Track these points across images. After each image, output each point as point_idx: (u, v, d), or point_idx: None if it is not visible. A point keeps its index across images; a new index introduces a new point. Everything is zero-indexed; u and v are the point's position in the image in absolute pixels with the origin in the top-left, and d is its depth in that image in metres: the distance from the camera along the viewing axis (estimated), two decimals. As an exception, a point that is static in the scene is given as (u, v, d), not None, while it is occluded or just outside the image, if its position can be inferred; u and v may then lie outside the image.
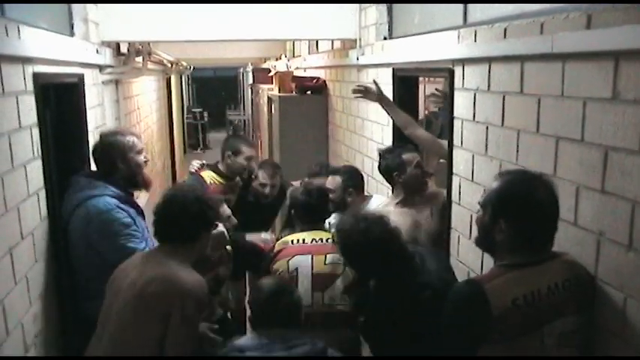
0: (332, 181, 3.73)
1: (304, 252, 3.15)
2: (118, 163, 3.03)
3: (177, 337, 2.34)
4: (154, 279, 2.38)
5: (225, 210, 3.18)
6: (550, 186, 2.00)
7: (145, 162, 3.18)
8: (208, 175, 4.25)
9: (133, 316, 2.38)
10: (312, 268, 3.10)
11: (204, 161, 4.47)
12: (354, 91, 3.74)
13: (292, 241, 3.22)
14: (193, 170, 4.33)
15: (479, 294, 1.89)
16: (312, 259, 3.12)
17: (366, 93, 3.73)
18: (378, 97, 3.69)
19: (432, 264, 2.60)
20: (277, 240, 3.40)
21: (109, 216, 2.89)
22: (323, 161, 5.11)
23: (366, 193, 4.03)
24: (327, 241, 3.17)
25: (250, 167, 4.29)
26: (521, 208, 1.96)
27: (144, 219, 3.18)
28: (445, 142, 3.42)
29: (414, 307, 2.40)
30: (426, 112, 5.26)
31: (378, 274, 2.58)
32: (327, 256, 3.10)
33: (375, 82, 3.71)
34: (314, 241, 3.20)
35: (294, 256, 3.14)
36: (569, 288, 1.96)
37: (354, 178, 3.78)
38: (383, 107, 3.76)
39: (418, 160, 3.42)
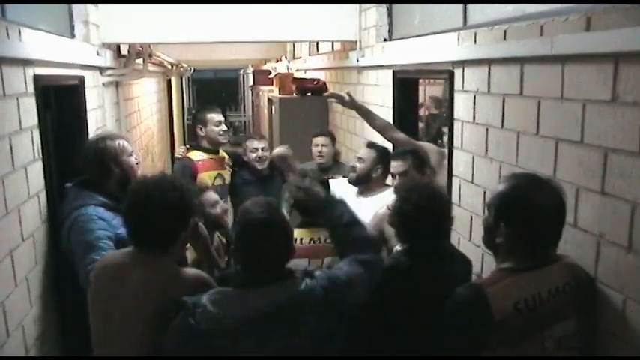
0: (366, 153, 3.65)
1: (301, 255, 3.13)
2: (112, 167, 2.96)
3: None
4: (158, 282, 2.23)
5: (211, 197, 3.14)
6: (557, 192, 1.98)
7: (137, 163, 3.11)
8: (195, 155, 4.31)
9: (145, 324, 2.20)
10: None
11: (187, 145, 4.55)
12: (328, 96, 3.73)
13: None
14: (180, 156, 4.40)
15: (480, 298, 1.89)
16: (308, 263, 3.10)
17: (340, 99, 3.75)
18: (352, 104, 3.71)
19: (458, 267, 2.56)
20: None
21: (86, 226, 2.74)
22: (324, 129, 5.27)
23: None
24: (325, 241, 3.15)
25: (223, 130, 4.41)
26: (521, 214, 1.95)
27: None
28: (427, 145, 3.52)
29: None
30: (427, 113, 5.25)
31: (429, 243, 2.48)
32: (325, 260, 3.09)
33: (348, 93, 3.72)
34: (312, 242, 3.18)
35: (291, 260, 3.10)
36: (569, 291, 1.95)
37: (385, 160, 3.68)
38: (359, 114, 3.78)
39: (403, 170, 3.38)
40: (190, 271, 2.37)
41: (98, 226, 2.74)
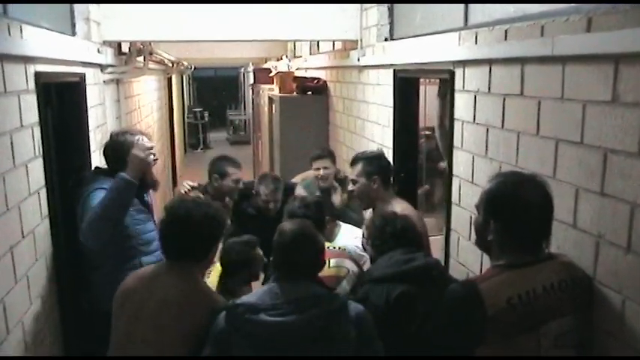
0: (354, 171, 3.43)
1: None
2: (127, 160, 3.03)
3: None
4: (187, 296, 2.40)
5: None
6: (543, 187, 2.01)
7: (155, 160, 3.18)
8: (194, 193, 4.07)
9: (171, 334, 2.36)
10: None
11: (194, 183, 4.20)
12: None
13: None
14: (183, 192, 4.12)
15: (473, 294, 1.90)
16: None
17: None
18: None
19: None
20: None
21: (94, 199, 2.93)
22: (324, 146, 5.22)
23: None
24: (332, 248, 3.18)
25: (238, 189, 4.18)
26: (509, 209, 1.97)
27: (150, 218, 3.25)
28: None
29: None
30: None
31: None
32: (331, 260, 3.10)
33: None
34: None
35: None
36: (565, 289, 1.96)
37: (377, 163, 3.42)
38: None
39: None
40: (217, 295, 2.55)
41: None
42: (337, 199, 4.38)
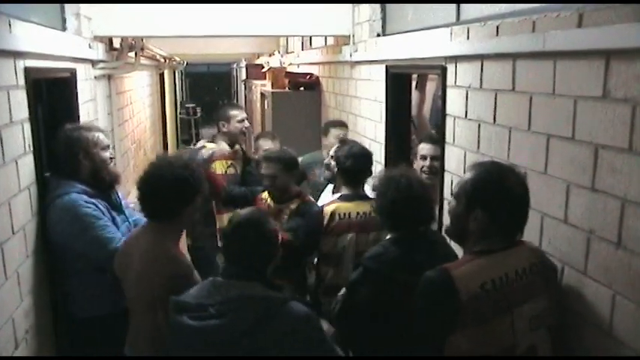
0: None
1: (350, 230, 3.27)
2: (80, 158, 2.96)
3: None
4: (148, 260, 2.49)
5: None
6: (521, 177, 2.08)
7: (111, 159, 3.10)
8: (209, 144, 4.47)
9: (145, 300, 2.49)
10: (357, 246, 3.24)
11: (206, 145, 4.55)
12: None
13: (339, 215, 3.28)
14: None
15: (446, 281, 1.93)
16: (355, 237, 3.26)
17: None
18: None
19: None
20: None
21: (77, 211, 2.84)
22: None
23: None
24: (370, 215, 3.25)
25: (246, 127, 4.60)
26: (496, 195, 2.02)
27: (122, 213, 3.14)
28: None
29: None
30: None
31: None
32: (371, 234, 3.25)
33: None
34: (359, 216, 3.29)
35: (340, 235, 3.28)
36: (536, 272, 2.02)
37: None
38: None
39: None
40: (178, 262, 2.54)
41: (90, 209, 2.87)
42: None
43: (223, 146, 4.46)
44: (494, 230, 2.03)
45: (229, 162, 4.48)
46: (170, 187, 2.50)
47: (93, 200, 2.91)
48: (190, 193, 2.58)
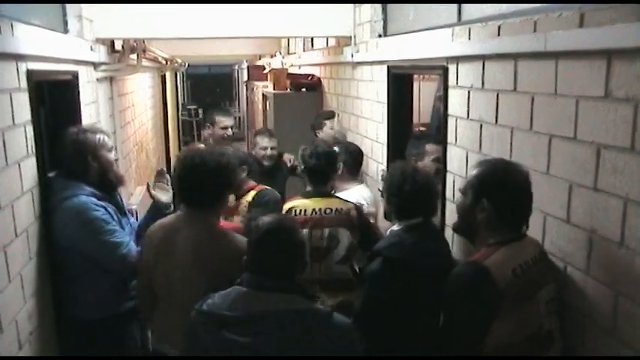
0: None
1: (304, 226, 3.29)
2: (89, 160, 2.99)
3: None
4: (209, 241, 2.56)
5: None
6: (525, 173, 2.17)
7: (116, 160, 3.15)
8: None
9: (200, 279, 2.50)
10: (310, 241, 3.29)
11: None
12: None
13: (296, 212, 3.37)
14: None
15: (483, 272, 2.00)
16: (310, 233, 3.30)
17: None
18: None
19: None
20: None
21: (87, 215, 2.86)
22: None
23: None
24: (327, 211, 3.34)
25: (228, 135, 4.73)
26: (502, 186, 2.12)
27: (125, 216, 3.16)
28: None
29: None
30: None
31: None
32: (324, 230, 3.32)
33: None
34: (314, 212, 3.35)
35: None
36: (542, 260, 2.17)
37: (348, 155, 3.91)
38: None
39: None
40: (238, 236, 2.64)
41: (100, 213, 2.89)
42: None
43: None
44: (503, 220, 2.11)
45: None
46: (212, 175, 2.60)
47: (102, 203, 2.94)
48: (227, 181, 2.70)
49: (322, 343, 2.06)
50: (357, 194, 3.83)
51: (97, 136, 3.06)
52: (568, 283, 2.17)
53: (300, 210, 3.35)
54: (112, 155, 3.10)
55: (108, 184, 3.05)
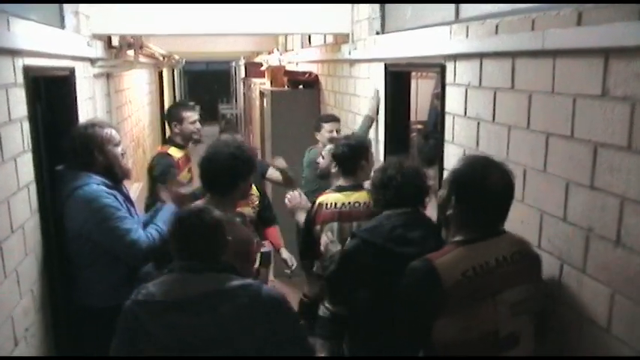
0: (327, 149, 3.90)
1: (333, 219, 3.40)
2: (95, 154, 3.06)
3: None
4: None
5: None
6: (506, 174, 2.11)
7: (122, 154, 3.21)
8: (174, 152, 4.52)
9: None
10: (341, 234, 3.34)
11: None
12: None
13: (326, 205, 3.42)
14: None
15: (429, 270, 2.02)
16: (340, 226, 3.38)
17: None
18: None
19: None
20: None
21: (98, 202, 2.94)
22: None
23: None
24: (356, 204, 3.39)
25: (197, 128, 4.65)
26: (470, 192, 2.09)
27: (132, 206, 3.22)
28: None
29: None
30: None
31: None
32: (353, 223, 3.34)
33: None
34: (344, 205, 3.41)
35: (325, 224, 3.41)
36: (518, 260, 2.08)
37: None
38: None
39: None
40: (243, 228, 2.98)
41: (111, 200, 2.97)
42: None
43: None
44: (472, 221, 2.10)
45: (187, 168, 4.60)
46: (227, 162, 2.89)
47: (112, 192, 3.03)
48: (244, 169, 2.95)
49: (255, 317, 2.17)
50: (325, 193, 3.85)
51: (105, 130, 3.14)
52: (564, 281, 2.18)
53: (330, 204, 3.40)
54: (118, 149, 3.17)
55: (114, 177, 3.12)
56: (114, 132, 3.19)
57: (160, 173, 4.21)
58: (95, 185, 2.98)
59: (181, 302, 2.15)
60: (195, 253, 2.24)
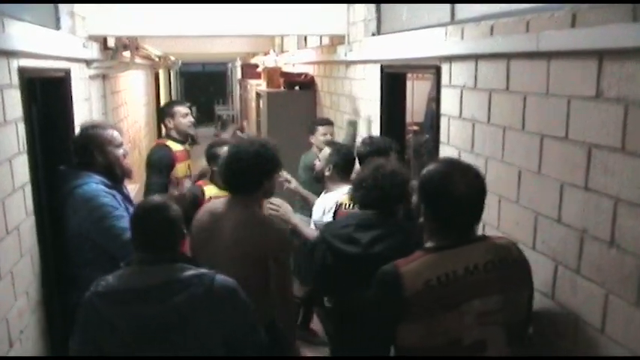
0: (323, 152, 3.92)
1: None
2: (95, 154, 3.11)
3: (282, 273, 2.81)
4: (247, 224, 2.79)
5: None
6: (472, 178, 2.04)
7: (124, 155, 3.26)
8: (173, 145, 4.54)
9: (241, 259, 2.73)
10: None
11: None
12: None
13: (344, 206, 3.43)
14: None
15: (394, 276, 1.98)
16: None
17: None
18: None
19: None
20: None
21: (96, 201, 2.97)
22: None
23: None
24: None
25: (190, 121, 4.67)
26: (435, 198, 2.05)
27: (132, 205, 3.23)
28: None
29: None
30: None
31: None
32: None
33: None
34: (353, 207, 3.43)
35: None
36: (491, 269, 1.99)
37: (338, 157, 3.85)
38: None
39: None
40: (280, 224, 2.97)
41: (109, 200, 3.01)
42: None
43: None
44: (441, 228, 2.05)
45: (186, 163, 4.64)
46: (252, 161, 2.83)
47: (111, 191, 3.06)
48: (269, 168, 2.91)
49: (210, 305, 2.23)
50: (342, 194, 3.85)
51: (107, 131, 3.20)
52: (559, 282, 2.18)
53: (347, 204, 3.40)
54: (120, 151, 3.21)
55: (114, 177, 3.17)
56: (116, 133, 3.24)
57: (157, 159, 4.37)
58: (94, 184, 3.01)
59: (139, 292, 2.20)
60: (152, 245, 2.30)
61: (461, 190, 2.00)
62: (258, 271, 2.77)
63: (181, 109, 4.66)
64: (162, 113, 4.77)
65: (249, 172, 2.85)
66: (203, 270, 2.30)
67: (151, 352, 2.21)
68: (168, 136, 4.62)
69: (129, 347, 2.21)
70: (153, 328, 2.19)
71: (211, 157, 3.97)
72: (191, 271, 2.26)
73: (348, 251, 2.70)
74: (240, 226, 2.79)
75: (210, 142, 4.06)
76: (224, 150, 3.48)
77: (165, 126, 4.69)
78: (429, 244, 2.07)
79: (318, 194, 3.91)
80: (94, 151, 3.11)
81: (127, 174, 3.28)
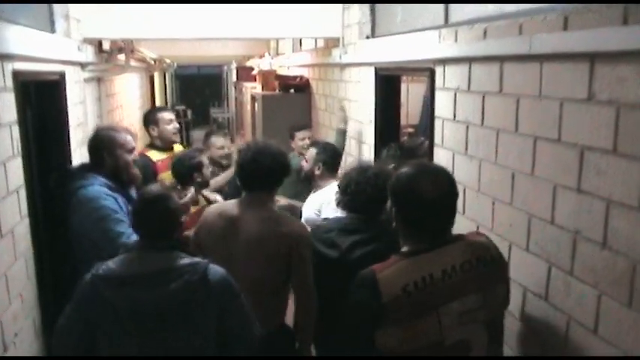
0: (309, 152, 4.05)
1: None
2: (104, 156, 3.14)
3: (305, 268, 2.81)
4: (270, 221, 2.84)
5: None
6: (440, 180, 2.05)
7: (134, 160, 3.27)
8: (154, 155, 4.46)
9: (261, 257, 2.79)
10: None
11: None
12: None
13: None
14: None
15: (372, 282, 1.98)
16: None
17: None
18: None
19: None
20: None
21: (97, 203, 2.99)
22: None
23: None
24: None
25: (175, 127, 4.62)
26: (403, 202, 2.06)
27: None
28: None
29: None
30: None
31: None
32: None
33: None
34: None
35: None
36: (468, 269, 1.99)
37: (326, 156, 3.97)
38: None
39: None
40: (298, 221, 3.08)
41: (110, 202, 3.02)
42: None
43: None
44: (414, 232, 2.06)
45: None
46: (271, 165, 2.88)
47: (113, 194, 3.08)
48: (283, 175, 2.96)
49: (204, 293, 2.31)
50: (332, 190, 3.88)
51: (120, 135, 3.24)
52: (552, 283, 2.19)
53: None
54: (130, 156, 3.23)
55: (119, 182, 3.19)
56: (129, 138, 3.26)
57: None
58: (98, 186, 3.04)
59: (137, 277, 2.29)
60: (152, 233, 2.39)
61: (430, 194, 2.00)
62: (275, 272, 2.82)
63: (165, 116, 4.55)
64: (146, 120, 4.61)
65: (267, 175, 2.89)
66: (197, 259, 2.37)
67: (147, 336, 2.28)
68: (152, 145, 4.51)
69: (126, 329, 2.28)
70: (150, 312, 2.27)
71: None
72: (186, 260, 2.34)
73: (329, 255, 2.75)
74: (264, 223, 2.83)
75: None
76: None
77: (149, 134, 4.56)
78: (404, 249, 2.07)
79: (300, 195, 4.03)
80: (104, 153, 3.14)
81: (132, 180, 3.29)
